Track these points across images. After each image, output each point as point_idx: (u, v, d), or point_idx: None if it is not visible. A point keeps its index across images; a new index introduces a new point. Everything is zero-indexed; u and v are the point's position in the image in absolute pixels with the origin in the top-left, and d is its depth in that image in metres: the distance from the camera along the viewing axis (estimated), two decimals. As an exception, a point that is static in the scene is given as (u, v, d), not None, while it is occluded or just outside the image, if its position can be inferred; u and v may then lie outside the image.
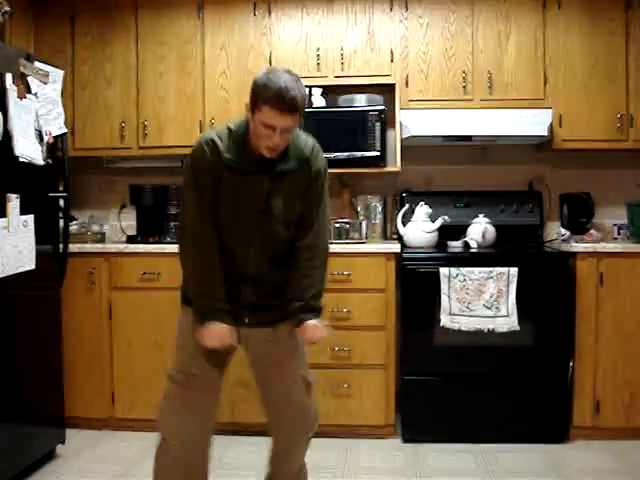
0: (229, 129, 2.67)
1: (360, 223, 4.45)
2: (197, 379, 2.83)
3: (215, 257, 2.66)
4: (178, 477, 2.87)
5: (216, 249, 2.66)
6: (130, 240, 4.54)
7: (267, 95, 2.46)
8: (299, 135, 2.72)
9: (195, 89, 4.61)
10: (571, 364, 4.07)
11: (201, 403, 2.89)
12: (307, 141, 2.73)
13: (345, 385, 4.14)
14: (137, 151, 4.67)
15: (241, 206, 2.65)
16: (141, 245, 4.35)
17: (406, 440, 4.11)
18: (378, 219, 4.73)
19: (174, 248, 4.17)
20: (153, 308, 4.26)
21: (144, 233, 4.51)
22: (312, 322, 2.74)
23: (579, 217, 4.63)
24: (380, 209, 4.74)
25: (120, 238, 4.81)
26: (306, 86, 4.38)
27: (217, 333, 2.68)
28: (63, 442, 3.95)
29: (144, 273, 4.25)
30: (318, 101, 4.57)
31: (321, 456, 3.91)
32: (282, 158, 2.62)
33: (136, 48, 4.64)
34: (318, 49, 4.53)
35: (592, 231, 4.46)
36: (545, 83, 4.44)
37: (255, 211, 2.64)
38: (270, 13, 4.56)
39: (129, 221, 4.83)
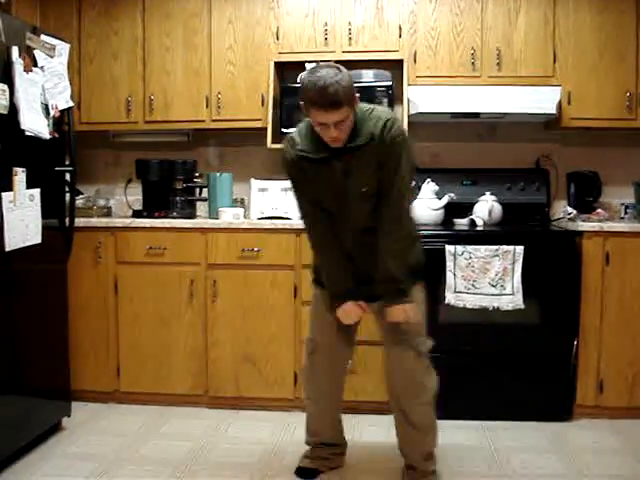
0: (308, 122, 2.88)
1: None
2: (320, 346, 3.23)
3: (334, 244, 3.00)
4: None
5: (332, 236, 2.99)
6: (136, 215, 4.54)
7: (310, 97, 2.67)
8: (373, 111, 2.83)
9: (202, 63, 4.59)
10: (575, 343, 4.07)
11: (327, 366, 3.26)
12: (379, 118, 2.81)
13: (349, 361, 4.15)
14: (143, 125, 4.66)
15: (323, 189, 2.90)
16: (147, 220, 4.35)
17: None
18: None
19: (180, 223, 4.25)
20: (159, 283, 4.27)
21: (150, 208, 4.51)
22: (396, 305, 2.91)
23: (586, 196, 4.61)
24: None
25: (126, 213, 4.81)
26: (313, 61, 4.39)
27: (348, 312, 3.08)
28: (69, 415, 3.97)
29: (150, 248, 4.25)
30: (325, 76, 4.53)
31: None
32: (351, 138, 2.78)
33: (142, 22, 4.61)
34: (326, 24, 4.49)
35: (599, 210, 4.44)
36: (554, 60, 4.40)
37: (336, 192, 2.87)
38: (278, -14, 4.53)
39: (135, 196, 4.83)
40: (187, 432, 3.96)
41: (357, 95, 2.75)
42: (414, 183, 3.01)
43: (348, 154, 2.81)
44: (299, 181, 2.98)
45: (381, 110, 2.89)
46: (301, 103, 2.77)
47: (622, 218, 4.62)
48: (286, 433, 3.96)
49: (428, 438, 3.19)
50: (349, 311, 3.07)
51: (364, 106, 2.86)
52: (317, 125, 2.74)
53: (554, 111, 4.31)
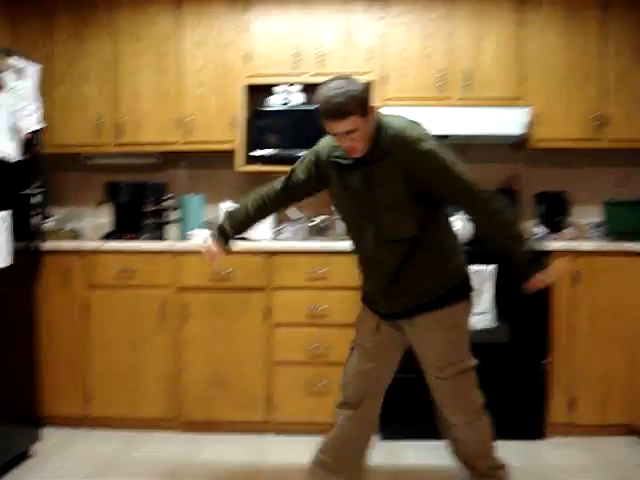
0: None
1: (336, 221, 4.45)
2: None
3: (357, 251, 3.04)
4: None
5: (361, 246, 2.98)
6: (106, 237, 4.51)
7: (320, 109, 2.69)
8: (391, 123, 2.77)
9: (172, 86, 4.59)
10: (546, 361, 4.10)
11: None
12: (397, 131, 2.74)
13: (322, 382, 4.14)
14: (114, 148, 4.64)
15: (347, 197, 2.90)
16: (117, 242, 4.33)
17: (384, 438, 4.12)
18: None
19: (150, 246, 4.23)
20: (129, 306, 4.23)
21: (120, 230, 4.49)
22: (538, 275, 2.82)
23: (555, 215, 4.66)
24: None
25: (96, 235, 4.78)
26: (283, 83, 4.41)
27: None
28: (39, 441, 3.91)
29: (120, 271, 4.22)
30: (296, 98, 4.56)
31: (301, 454, 3.91)
32: (372, 150, 2.76)
33: (113, 44, 4.61)
34: (296, 47, 4.52)
35: (568, 229, 4.50)
36: (522, 82, 4.47)
37: (357, 200, 2.85)
38: (248, 10, 4.55)
39: (106, 218, 4.80)
40: (159, 457, 3.91)
41: (373, 105, 2.74)
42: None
43: (369, 165, 2.77)
44: (322, 181, 3.03)
45: (398, 124, 2.78)
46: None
47: (591, 237, 4.67)
48: (259, 456, 3.93)
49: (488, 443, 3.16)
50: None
51: (387, 117, 2.80)
52: (332, 135, 2.77)
53: (522, 132, 4.36)
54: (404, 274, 2.86)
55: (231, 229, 3.17)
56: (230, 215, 3.21)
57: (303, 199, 3.23)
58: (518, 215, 2.79)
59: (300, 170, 3.07)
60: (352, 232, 3.00)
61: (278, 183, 3.15)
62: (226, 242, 3.20)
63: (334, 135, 2.74)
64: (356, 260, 3.05)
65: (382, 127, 2.76)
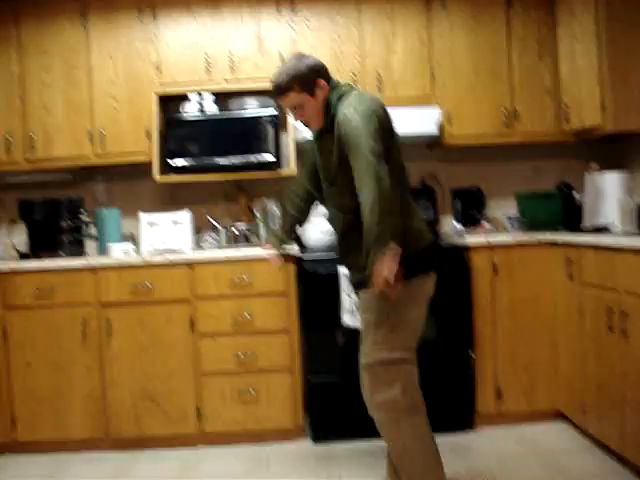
0: None
1: (258, 227, 4.44)
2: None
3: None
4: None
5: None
6: (22, 257, 4.39)
7: None
8: (346, 99, 2.85)
9: (83, 98, 4.50)
10: (471, 353, 4.18)
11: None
12: (342, 105, 2.83)
13: (252, 390, 4.12)
14: (25, 165, 4.52)
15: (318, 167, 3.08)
16: (34, 261, 4.21)
17: (316, 441, 4.13)
18: (276, 223, 4.72)
19: (68, 263, 4.14)
20: (50, 326, 4.13)
21: (36, 249, 4.38)
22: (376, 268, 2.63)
23: (471, 211, 4.77)
24: (278, 212, 4.74)
25: (12, 255, 4.64)
26: (195, 91, 4.37)
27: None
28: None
29: (38, 290, 4.11)
30: (209, 106, 4.52)
31: (232, 464, 3.89)
32: (326, 122, 2.92)
33: (18, 57, 4.49)
34: (207, 54, 4.50)
35: (484, 224, 4.60)
36: (432, 81, 4.55)
37: (320, 170, 3.03)
38: (156, 18, 4.50)
39: (21, 237, 4.65)
40: (92, 478, 3.82)
41: (321, 81, 2.88)
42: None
43: (323, 135, 2.95)
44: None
45: (353, 100, 2.82)
46: None
47: (507, 230, 4.78)
48: (193, 470, 3.88)
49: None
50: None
51: (346, 91, 2.90)
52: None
53: (435, 131, 4.44)
54: (347, 245, 2.97)
55: (284, 235, 3.36)
56: (281, 222, 3.40)
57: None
58: (395, 210, 2.65)
59: (307, 156, 3.25)
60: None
61: (300, 177, 3.30)
62: (281, 245, 3.38)
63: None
64: None
65: (332, 98, 2.89)
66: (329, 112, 2.89)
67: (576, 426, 4.05)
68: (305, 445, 4.12)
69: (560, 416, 4.22)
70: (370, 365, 2.88)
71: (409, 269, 2.76)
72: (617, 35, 4.02)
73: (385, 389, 2.85)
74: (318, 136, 3.02)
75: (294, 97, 2.87)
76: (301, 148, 4.47)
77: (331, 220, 3.06)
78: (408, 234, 2.76)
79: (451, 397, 4.17)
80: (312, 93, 2.88)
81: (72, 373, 4.14)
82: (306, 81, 2.87)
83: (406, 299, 2.82)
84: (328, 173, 2.94)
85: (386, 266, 2.59)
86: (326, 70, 2.95)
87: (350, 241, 2.93)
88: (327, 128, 2.90)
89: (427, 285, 2.96)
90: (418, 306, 2.92)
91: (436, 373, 4.14)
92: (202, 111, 4.51)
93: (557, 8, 4.52)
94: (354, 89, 2.95)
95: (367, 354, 2.89)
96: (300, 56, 2.95)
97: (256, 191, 4.82)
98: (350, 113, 2.75)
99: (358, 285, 2.95)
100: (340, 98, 2.87)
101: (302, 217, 3.35)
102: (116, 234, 4.44)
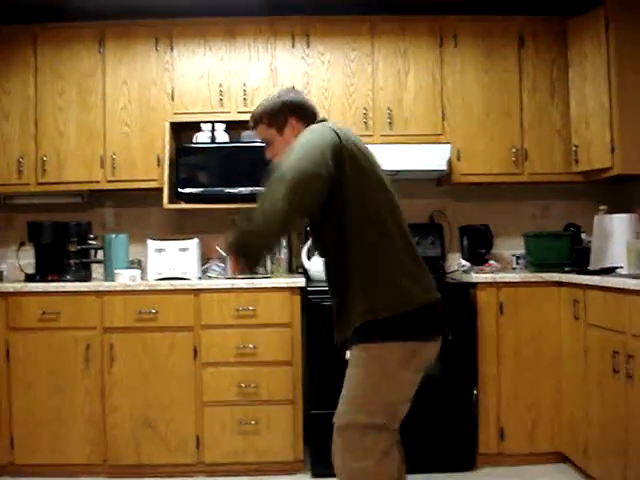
0: None
1: (265, 258, 4.44)
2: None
3: None
4: None
5: None
6: (29, 279, 4.39)
7: None
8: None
9: (96, 124, 4.54)
10: (475, 392, 4.15)
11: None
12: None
13: (253, 422, 4.10)
14: (36, 187, 4.55)
15: None
16: (40, 284, 4.22)
17: (316, 475, 4.08)
18: (283, 253, 4.72)
19: (74, 286, 4.15)
20: (53, 349, 4.12)
21: (43, 271, 4.37)
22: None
23: (479, 248, 4.76)
24: (285, 243, 4.74)
25: (18, 277, 4.64)
26: (209, 122, 4.41)
27: None
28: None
29: (43, 313, 4.11)
30: (221, 136, 4.56)
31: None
32: None
33: (34, 82, 4.54)
34: (221, 85, 4.54)
35: (491, 262, 4.59)
36: (443, 119, 4.58)
37: None
38: (172, 48, 4.55)
39: (28, 259, 4.66)
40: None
41: (293, 119, 2.73)
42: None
43: None
44: None
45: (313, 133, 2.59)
46: None
47: (514, 269, 4.78)
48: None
49: None
50: None
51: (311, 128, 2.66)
52: None
53: (445, 167, 4.46)
54: (337, 295, 2.61)
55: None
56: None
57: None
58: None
59: None
60: None
61: None
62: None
63: None
64: None
65: None
66: None
67: (578, 469, 3.99)
68: (305, 479, 4.08)
69: (562, 458, 4.18)
70: (343, 427, 2.52)
71: (384, 331, 2.46)
72: (628, 77, 4.06)
73: (357, 459, 2.48)
74: None
75: (262, 131, 2.79)
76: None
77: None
78: (386, 290, 2.48)
79: (453, 436, 4.13)
80: (280, 130, 2.75)
81: (73, 397, 4.13)
82: (276, 118, 2.75)
83: (404, 361, 2.50)
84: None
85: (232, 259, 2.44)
86: (306, 108, 2.79)
87: (337, 289, 2.61)
88: None
89: (413, 352, 2.53)
90: (399, 372, 2.52)
91: (439, 411, 4.12)
92: (213, 141, 4.54)
93: (569, 49, 4.55)
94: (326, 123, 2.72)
95: (340, 413, 2.55)
96: (286, 91, 2.86)
97: (264, 221, 4.81)
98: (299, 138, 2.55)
99: (344, 344, 2.63)
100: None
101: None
102: (123, 260, 4.45)
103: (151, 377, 4.11)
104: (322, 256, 2.72)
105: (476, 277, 4.23)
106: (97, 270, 4.61)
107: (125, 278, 4.24)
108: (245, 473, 4.11)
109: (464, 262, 4.59)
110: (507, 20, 4.62)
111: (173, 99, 4.54)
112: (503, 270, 4.60)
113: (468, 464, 4.16)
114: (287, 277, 4.40)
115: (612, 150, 4.09)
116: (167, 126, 4.51)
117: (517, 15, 4.62)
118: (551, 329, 4.18)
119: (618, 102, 4.06)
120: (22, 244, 4.66)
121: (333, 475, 4.11)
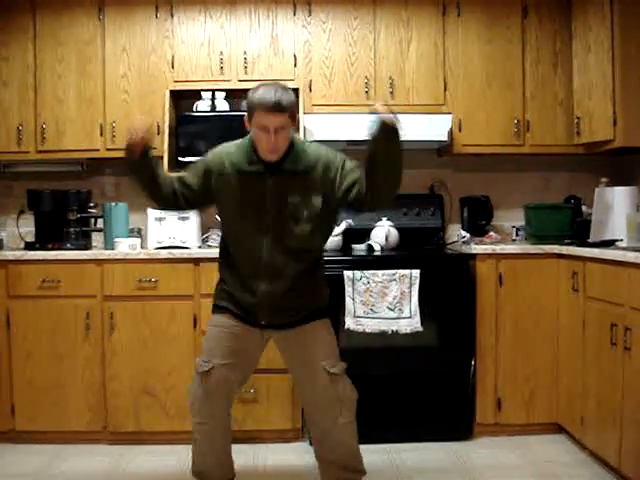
0: (249, 138, 2.94)
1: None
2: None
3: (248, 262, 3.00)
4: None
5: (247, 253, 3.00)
6: (29, 247, 4.40)
7: (257, 98, 2.78)
8: (309, 147, 2.99)
9: (95, 91, 4.51)
10: (473, 363, 4.17)
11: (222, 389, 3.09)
12: (319, 150, 2.97)
13: (252, 390, 4.12)
14: (35, 155, 4.53)
15: (246, 205, 2.91)
16: (40, 252, 4.22)
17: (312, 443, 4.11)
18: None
19: (74, 255, 4.15)
20: (53, 317, 4.13)
21: (43, 240, 4.37)
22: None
23: (479, 219, 4.75)
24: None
25: (18, 245, 4.65)
26: (209, 90, 4.39)
27: None
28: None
29: (43, 281, 4.12)
30: (221, 105, 4.54)
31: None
32: (290, 162, 2.89)
33: (34, 49, 4.50)
34: (221, 53, 4.51)
35: (491, 233, 4.60)
36: (445, 89, 4.56)
37: (258, 208, 2.89)
38: (172, 16, 4.51)
39: (28, 227, 4.66)
40: (87, 471, 3.82)
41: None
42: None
43: (285, 175, 2.88)
44: (218, 189, 2.97)
45: (315, 145, 3.05)
46: (245, 115, 2.88)
47: (514, 240, 4.78)
48: (190, 467, 3.87)
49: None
50: None
51: (301, 139, 3.03)
52: (259, 132, 2.81)
53: (446, 138, 4.44)
54: (304, 284, 2.98)
55: (154, 164, 3.08)
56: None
57: (180, 204, 3.13)
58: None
59: (190, 175, 3.07)
60: (239, 241, 2.97)
61: (181, 180, 3.09)
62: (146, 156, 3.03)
63: (262, 130, 2.79)
64: (226, 272, 3.07)
65: (297, 142, 2.95)
66: (294, 150, 2.91)
67: (574, 439, 4.03)
68: (303, 447, 4.12)
69: (559, 429, 4.22)
70: (342, 373, 3.07)
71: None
72: (631, 50, 4.02)
73: (351, 393, 3.09)
74: (265, 172, 2.89)
75: (285, 119, 2.79)
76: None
77: (267, 260, 2.92)
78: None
79: (451, 406, 4.17)
80: (293, 123, 2.88)
81: (73, 365, 4.15)
82: (295, 111, 2.91)
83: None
84: (296, 212, 2.88)
85: None
86: None
87: (310, 280, 3.02)
88: (294, 166, 2.90)
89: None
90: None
91: (437, 382, 4.15)
92: (214, 109, 4.52)
93: (573, 20, 4.52)
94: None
95: (335, 364, 3.06)
96: (282, 86, 2.88)
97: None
98: (340, 156, 2.96)
99: (304, 320, 3.06)
100: (302, 140, 2.99)
101: (159, 190, 3.10)
102: (123, 228, 4.45)
103: (151, 345, 4.14)
104: (298, 248, 2.93)
105: (476, 248, 4.23)
106: (97, 238, 4.61)
107: (125, 247, 4.25)
108: (243, 441, 4.13)
109: (464, 233, 4.59)
110: (511, -10, 4.57)
111: (173, 67, 4.51)
112: (503, 241, 4.60)
113: (465, 434, 4.20)
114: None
115: (614, 122, 4.07)
116: (167, 94, 4.48)
117: (521, -15, 4.57)
118: (550, 301, 4.19)
119: (621, 74, 4.03)
120: (22, 212, 4.66)
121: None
